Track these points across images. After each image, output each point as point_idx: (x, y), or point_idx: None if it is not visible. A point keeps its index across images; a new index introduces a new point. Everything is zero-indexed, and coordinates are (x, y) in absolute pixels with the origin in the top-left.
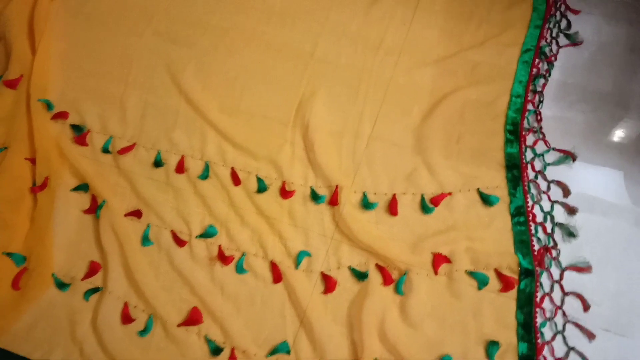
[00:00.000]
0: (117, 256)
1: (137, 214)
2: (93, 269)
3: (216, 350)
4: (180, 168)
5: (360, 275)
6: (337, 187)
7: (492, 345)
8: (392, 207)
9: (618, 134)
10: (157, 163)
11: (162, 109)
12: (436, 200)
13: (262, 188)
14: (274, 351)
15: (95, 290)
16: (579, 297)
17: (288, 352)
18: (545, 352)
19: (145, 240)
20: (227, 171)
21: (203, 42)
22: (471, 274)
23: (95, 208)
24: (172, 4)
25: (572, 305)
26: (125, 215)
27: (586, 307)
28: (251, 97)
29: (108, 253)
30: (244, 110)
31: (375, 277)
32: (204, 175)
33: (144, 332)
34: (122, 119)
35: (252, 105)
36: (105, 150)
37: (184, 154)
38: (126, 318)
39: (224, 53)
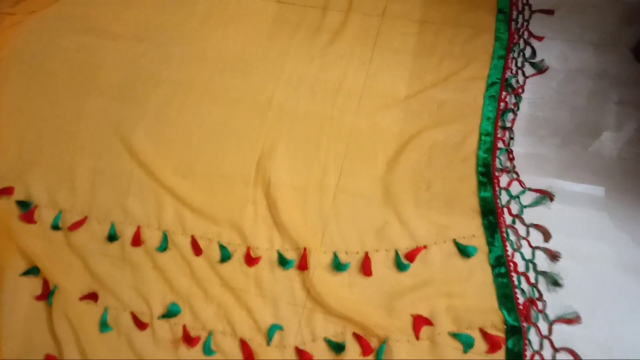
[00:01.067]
0: (73, 346)
1: (92, 296)
2: None
3: None
4: (137, 240)
5: (337, 347)
6: (305, 249)
7: None
8: (365, 267)
9: (594, 167)
10: (112, 237)
11: (114, 175)
12: (411, 256)
13: (225, 256)
14: None
15: None
16: (571, 352)
17: None
18: None
19: (104, 326)
20: (187, 240)
21: (153, 98)
22: (455, 335)
23: (47, 294)
24: (119, 59)
25: None
26: (81, 299)
27: None
28: (208, 156)
29: (63, 343)
30: (200, 170)
31: (353, 347)
32: (163, 247)
33: None
34: (72, 190)
35: (209, 164)
36: (55, 226)
37: (140, 223)
38: None
39: (176, 109)
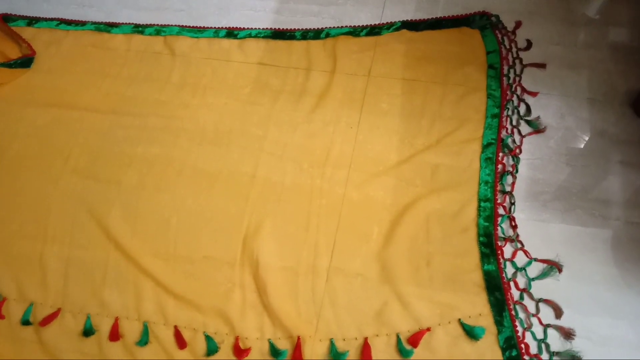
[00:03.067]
0: None
1: None
2: None
3: None
4: (115, 334)
5: None
6: (299, 338)
7: None
8: (365, 355)
9: (601, 234)
10: (87, 332)
11: (88, 263)
12: (414, 340)
13: (212, 349)
14: None
15: None
16: None
17: None
18: None
19: None
20: (170, 331)
21: (129, 175)
22: None
23: None
24: (91, 134)
25: None
26: None
27: None
28: (189, 237)
29: None
30: (181, 253)
31: None
32: (143, 341)
33: None
34: (43, 282)
35: (190, 246)
36: (26, 321)
37: (118, 315)
38: None
39: (153, 187)
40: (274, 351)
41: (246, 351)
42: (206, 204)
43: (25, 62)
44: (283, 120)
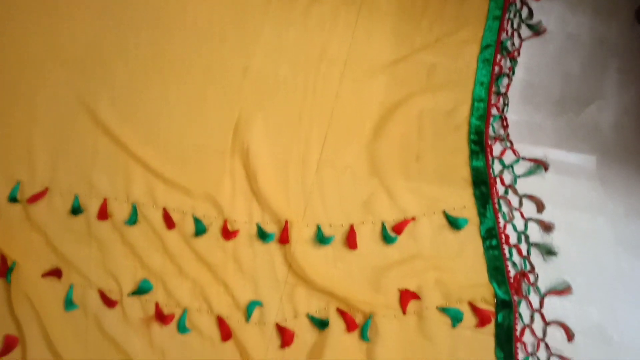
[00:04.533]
0: (35, 327)
1: (56, 273)
2: (8, 344)
3: None
4: (103, 213)
5: (321, 324)
6: (286, 222)
7: None
8: (350, 240)
9: (590, 137)
10: (75, 210)
11: (77, 147)
12: (399, 228)
13: (200, 230)
14: None
15: None
16: (562, 326)
17: None
18: None
19: (69, 304)
20: (159, 213)
21: (120, 67)
22: (443, 310)
23: (5, 271)
24: (77, 28)
25: (555, 337)
26: (43, 275)
27: (570, 337)
28: (180, 125)
29: (24, 324)
30: (172, 140)
31: (337, 323)
32: (132, 220)
33: None
34: (30, 164)
35: (181, 134)
36: (13, 198)
37: (106, 196)
38: None
39: (145, 78)
40: (262, 234)
41: (234, 233)
42: (197, 96)
43: None
44: (279, 18)
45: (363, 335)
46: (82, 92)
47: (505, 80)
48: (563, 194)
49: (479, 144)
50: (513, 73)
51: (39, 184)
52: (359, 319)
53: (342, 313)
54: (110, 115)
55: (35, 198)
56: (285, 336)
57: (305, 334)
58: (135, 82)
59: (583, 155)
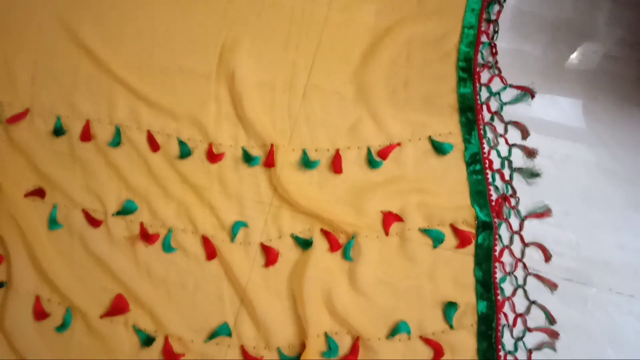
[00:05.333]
0: (20, 245)
1: (39, 193)
2: None
3: (147, 340)
4: (86, 135)
5: (305, 243)
6: (272, 145)
7: (449, 307)
8: (335, 164)
9: (580, 67)
10: (58, 131)
11: (58, 68)
12: (384, 153)
13: (185, 152)
14: (213, 335)
15: None
16: (540, 247)
17: (229, 335)
18: (506, 308)
19: (53, 223)
20: (143, 135)
21: None
22: (425, 231)
23: None
24: None
25: (533, 258)
26: (26, 195)
27: (547, 257)
28: (164, 49)
29: (8, 242)
30: (156, 63)
31: (320, 243)
32: (115, 142)
33: (61, 327)
34: (9, 84)
35: (166, 58)
36: None
37: (89, 118)
38: (39, 314)
39: (127, 2)
40: (247, 157)
41: (219, 156)
42: (182, 19)
43: None
44: None
45: (346, 255)
46: (65, 12)
47: (496, 7)
48: (548, 122)
49: (467, 70)
50: (504, 0)
51: (19, 105)
52: (342, 240)
53: (325, 233)
54: (93, 37)
55: (15, 119)
56: (269, 255)
57: (289, 253)
58: (120, 3)
59: (570, 85)
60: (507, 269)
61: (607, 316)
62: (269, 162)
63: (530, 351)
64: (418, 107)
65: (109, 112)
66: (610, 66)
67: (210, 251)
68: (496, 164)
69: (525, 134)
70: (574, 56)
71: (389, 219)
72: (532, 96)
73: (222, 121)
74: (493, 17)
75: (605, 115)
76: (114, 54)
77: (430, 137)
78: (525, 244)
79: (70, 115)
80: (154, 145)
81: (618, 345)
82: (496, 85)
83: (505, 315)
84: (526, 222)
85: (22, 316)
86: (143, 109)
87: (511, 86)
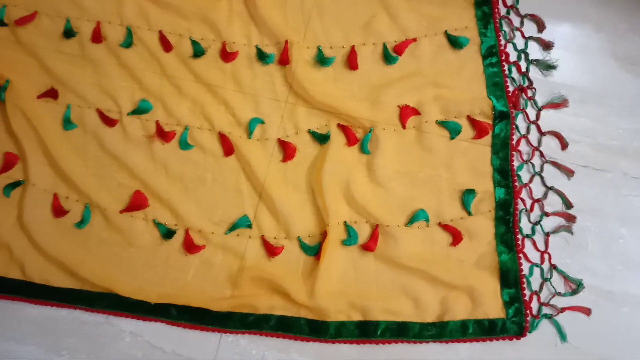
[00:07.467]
0: (35, 144)
1: (52, 94)
2: (9, 161)
3: (168, 233)
4: (97, 36)
5: (322, 138)
6: (286, 42)
7: (467, 195)
8: (351, 61)
9: None
10: (68, 32)
11: None
12: (400, 48)
13: (198, 52)
14: (233, 227)
15: (16, 184)
16: (557, 135)
17: (249, 226)
18: (523, 194)
19: (67, 123)
20: (155, 36)
21: None
22: (442, 123)
23: None
24: None
25: (550, 146)
26: (39, 97)
27: (564, 145)
28: None
29: (23, 141)
30: None
31: (338, 138)
32: (127, 43)
33: (81, 223)
34: None
35: None
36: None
37: (99, 19)
38: (58, 211)
39: None
40: (261, 55)
41: (233, 55)
42: None
43: None
44: None
45: (363, 148)
46: None
47: None
48: (565, 11)
49: None
50: None
51: (26, 8)
52: (359, 134)
53: (343, 128)
54: None
55: (24, 20)
56: (287, 150)
57: (306, 148)
58: None
59: None
60: (524, 157)
61: (622, 199)
62: (284, 59)
63: (547, 234)
64: (433, 1)
65: (118, 12)
66: None
67: (228, 147)
68: (513, 57)
69: (541, 26)
70: None
71: (406, 112)
72: None
73: (233, 19)
74: None
75: (622, 2)
76: None
77: (446, 31)
78: (542, 133)
79: (79, 17)
80: (166, 45)
81: (633, 226)
82: None
83: (523, 200)
84: (542, 112)
85: (40, 213)
86: (152, 9)
87: None
